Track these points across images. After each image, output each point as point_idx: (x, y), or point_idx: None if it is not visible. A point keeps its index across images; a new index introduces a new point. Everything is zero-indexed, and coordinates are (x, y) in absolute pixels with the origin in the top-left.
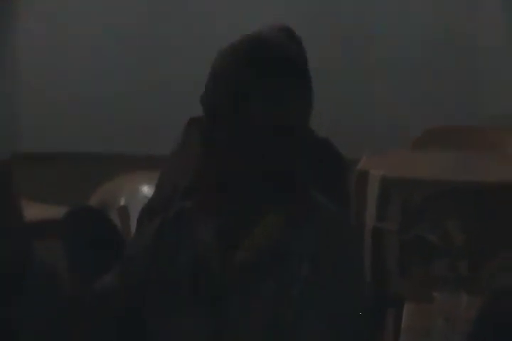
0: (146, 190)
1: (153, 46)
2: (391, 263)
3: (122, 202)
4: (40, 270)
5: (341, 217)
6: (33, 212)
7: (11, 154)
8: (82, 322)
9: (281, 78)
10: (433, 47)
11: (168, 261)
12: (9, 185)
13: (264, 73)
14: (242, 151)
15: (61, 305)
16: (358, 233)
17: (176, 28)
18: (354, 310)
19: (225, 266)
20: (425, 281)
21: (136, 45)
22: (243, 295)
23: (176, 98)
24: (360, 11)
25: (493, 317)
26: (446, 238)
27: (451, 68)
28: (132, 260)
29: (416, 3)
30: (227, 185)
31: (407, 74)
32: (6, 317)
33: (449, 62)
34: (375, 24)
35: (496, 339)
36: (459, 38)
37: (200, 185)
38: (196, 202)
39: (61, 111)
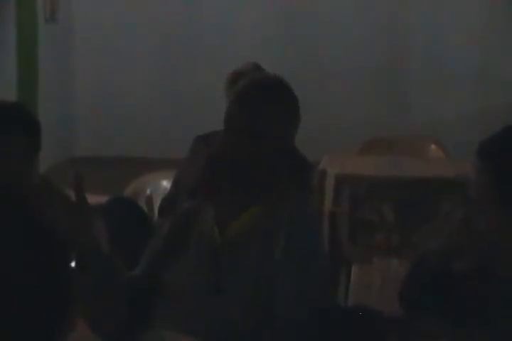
0: (165, 184)
1: (180, 74)
2: (342, 236)
3: (148, 193)
4: None
5: (307, 204)
6: None
7: (70, 158)
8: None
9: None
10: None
11: (181, 241)
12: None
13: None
14: (230, 159)
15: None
16: (319, 214)
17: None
18: (317, 268)
19: (221, 239)
20: (367, 249)
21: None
22: (237, 258)
23: (191, 120)
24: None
25: (417, 273)
26: (381, 218)
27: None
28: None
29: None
30: (221, 185)
31: (356, 97)
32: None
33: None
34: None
35: (418, 290)
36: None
37: (202, 185)
38: (200, 197)
39: (108, 128)
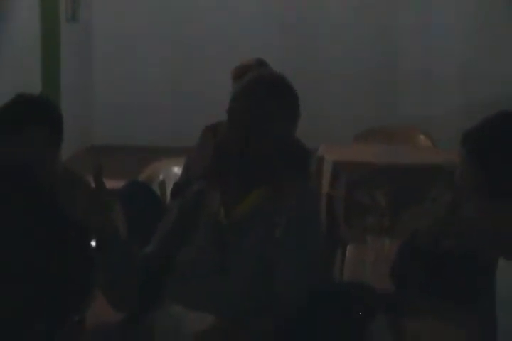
0: (176, 170)
1: (188, 67)
2: (339, 218)
3: (161, 178)
4: None
5: (306, 187)
6: None
7: (89, 146)
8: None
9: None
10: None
11: (190, 222)
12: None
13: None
14: (235, 148)
15: None
16: (317, 198)
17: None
18: (316, 248)
19: (227, 220)
20: (361, 230)
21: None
22: (241, 237)
23: (199, 112)
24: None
25: (406, 252)
26: (375, 201)
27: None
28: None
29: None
30: (226, 171)
31: (351, 87)
32: None
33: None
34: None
35: (408, 265)
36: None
37: (210, 172)
38: (207, 182)
39: (124, 118)
